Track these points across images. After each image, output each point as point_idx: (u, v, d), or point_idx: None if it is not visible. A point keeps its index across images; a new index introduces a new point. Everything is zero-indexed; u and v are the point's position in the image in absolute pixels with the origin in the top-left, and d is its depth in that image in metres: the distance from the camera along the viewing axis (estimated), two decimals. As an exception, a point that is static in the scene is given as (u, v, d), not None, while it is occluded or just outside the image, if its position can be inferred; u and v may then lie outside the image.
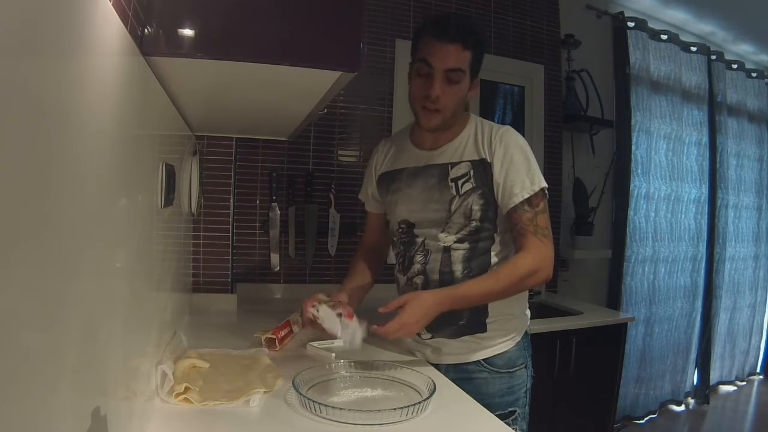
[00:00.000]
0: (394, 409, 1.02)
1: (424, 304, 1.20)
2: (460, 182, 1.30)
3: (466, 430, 1.05)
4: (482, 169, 1.29)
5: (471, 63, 1.27)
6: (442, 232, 1.32)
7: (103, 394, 0.66)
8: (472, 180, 1.29)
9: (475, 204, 1.29)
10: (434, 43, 1.25)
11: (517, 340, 1.35)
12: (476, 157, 1.30)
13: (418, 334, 1.37)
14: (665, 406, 3.36)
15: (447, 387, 1.22)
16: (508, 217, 1.28)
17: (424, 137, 1.37)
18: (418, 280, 1.35)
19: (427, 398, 1.07)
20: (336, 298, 1.26)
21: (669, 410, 3.38)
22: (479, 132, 1.33)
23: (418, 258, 1.35)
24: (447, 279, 1.31)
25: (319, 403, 1.01)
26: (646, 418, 3.18)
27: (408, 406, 1.02)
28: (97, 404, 0.62)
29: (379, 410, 1.03)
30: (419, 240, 1.35)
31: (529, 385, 1.36)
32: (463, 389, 1.25)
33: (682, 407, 3.45)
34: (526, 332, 1.39)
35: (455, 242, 1.31)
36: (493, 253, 1.32)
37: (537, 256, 1.24)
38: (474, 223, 1.30)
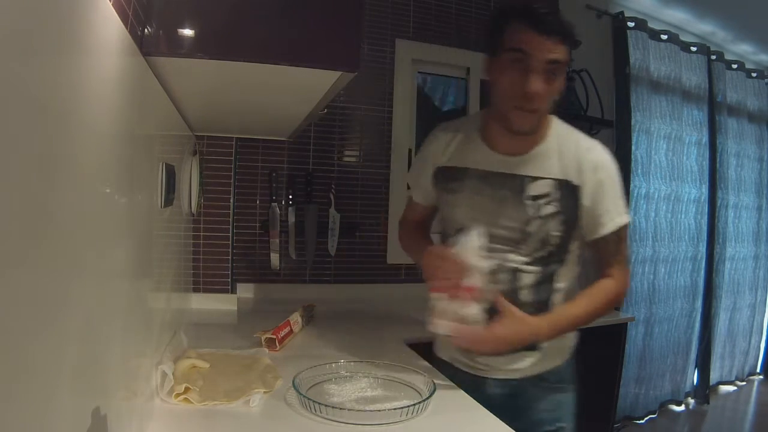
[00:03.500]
0: (394, 409, 1.02)
1: (531, 323, 1.12)
2: (540, 202, 1.16)
3: (466, 430, 1.05)
4: (568, 192, 1.16)
5: (567, 55, 1.12)
6: (511, 252, 1.18)
7: (103, 394, 0.66)
8: (554, 203, 1.16)
9: (555, 230, 1.16)
10: (530, 33, 1.09)
11: (566, 357, 1.28)
12: (561, 177, 1.16)
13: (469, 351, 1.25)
14: (665, 406, 3.36)
15: (447, 387, 1.22)
16: (592, 244, 1.20)
17: (500, 138, 1.20)
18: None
19: (427, 398, 1.07)
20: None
21: (669, 410, 3.38)
22: (565, 146, 1.19)
23: None
24: (510, 301, 1.16)
25: (319, 403, 1.01)
26: (646, 418, 3.18)
27: (408, 406, 1.02)
28: (97, 404, 0.62)
29: (379, 410, 1.03)
30: None
31: (575, 403, 1.28)
32: (511, 405, 1.21)
33: (682, 407, 3.45)
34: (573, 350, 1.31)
35: (525, 263, 1.18)
36: (559, 276, 1.21)
37: (622, 285, 1.23)
38: (549, 248, 1.18)
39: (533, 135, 1.18)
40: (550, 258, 1.19)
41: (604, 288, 1.20)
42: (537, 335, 1.14)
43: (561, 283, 1.21)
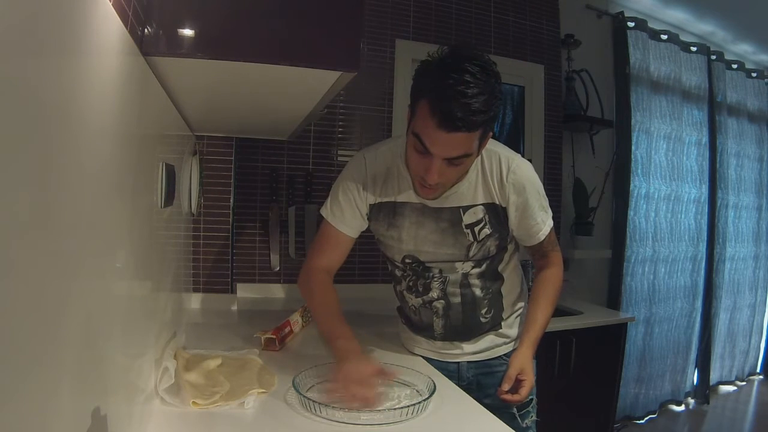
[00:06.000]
0: (394, 409, 1.02)
1: (529, 358, 1.29)
2: (476, 228, 1.26)
3: (466, 430, 1.05)
4: (497, 213, 1.25)
5: (481, 136, 1.09)
6: (457, 261, 1.30)
7: (103, 394, 0.66)
8: (488, 226, 1.26)
9: (492, 245, 1.29)
10: (433, 128, 1.03)
11: None
12: (489, 201, 1.24)
13: (434, 339, 1.40)
14: (665, 406, 3.36)
15: (447, 387, 1.22)
16: (528, 246, 1.35)
17: None
18: (439, 304, 1.34)
19: (427, 398, 1.07)
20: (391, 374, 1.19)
21: (669, 410, 3.38)
22: (488, 171, 1.23)
23: (436, 284, 1.33)
24: (469, 300, 1.33)
25: (319, 403, 1.01)
26: (646, 418, 3.18)
27: (408, 406, 1.02)
28: (97, 404, 0.62)
29: (379, 410, 1.03)
30: (435, 270, 1.32)
31: (536, 375, 1.41)
32: (487, 383, 1.37)
33: (682, 407, 3.45)
34: None
35: (473, 268, 1.31)
36: (502, 261, 1.35)
37: (560, 265, 1.39)
38: (491, 255, 1.31)
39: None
40: (492, 257, 1.31)
41: (551, 280, 1.36)
42: (531, 355, 1.30)
43: (502, 264, 1.35)
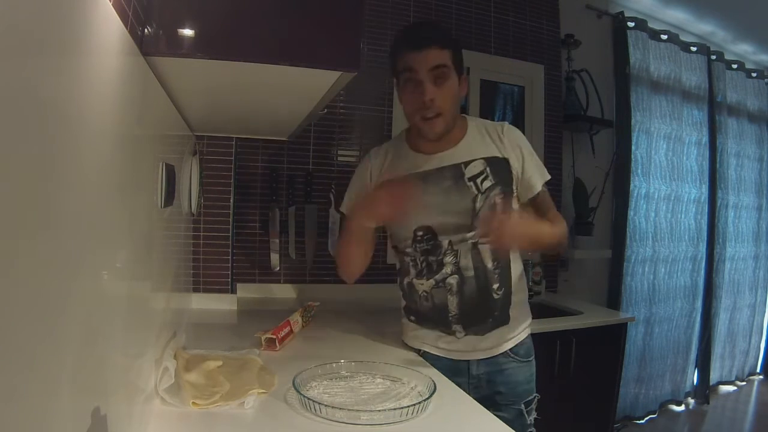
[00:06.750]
0: (394, 409, 1.02)
1: (516, 216, 1.32)
2: (478, 180, 1.32)
3: (466, 430, 1.05)
4: (498, 165, 1.33)
5: (453, 59, 1.28)
6: (467, 231, 1.33)
7: (103, 394, 0.66)
8: (490, 177, 1.32)
9: (497, 198, 1.33)
10: (409, 52, 1.27)
11: (528, 331, 1.45)
12: (489, 154, 1.34)
13: (451, 332, 1.38)
14: (665, 406, 3.36)
15: (447, 387, 1.22)
16: (528, 204, 1.40)
17: (427, 143, 1.36)
18: (452, 280, 1.34)
19: (427, 398, 1.07)
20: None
21: (669, 410, 3.38)
22: (482, 130, 1.37)
23: (448, 259, 1.34)
24: (481, 273, 1.34)
25: (319, 403, 1.01)
26: (646, 418, 3.18)
27: (408, 406, 1.02)
28: (97, 404, 0.62)
29: (379, 410, 1.03)
30: (445, 243, 1.34)
31: (535, 375, 1.46)
32: (496, 381, 1.39)
33: (682, 407, 3.45)
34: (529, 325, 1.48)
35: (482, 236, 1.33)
36: None
37: (562, 225, 1.40)
38: None
39: (450, 133, 1.33)
40: None
41: (559, 224, 1.38)
42: (522, 220, 1.31)
43: None
